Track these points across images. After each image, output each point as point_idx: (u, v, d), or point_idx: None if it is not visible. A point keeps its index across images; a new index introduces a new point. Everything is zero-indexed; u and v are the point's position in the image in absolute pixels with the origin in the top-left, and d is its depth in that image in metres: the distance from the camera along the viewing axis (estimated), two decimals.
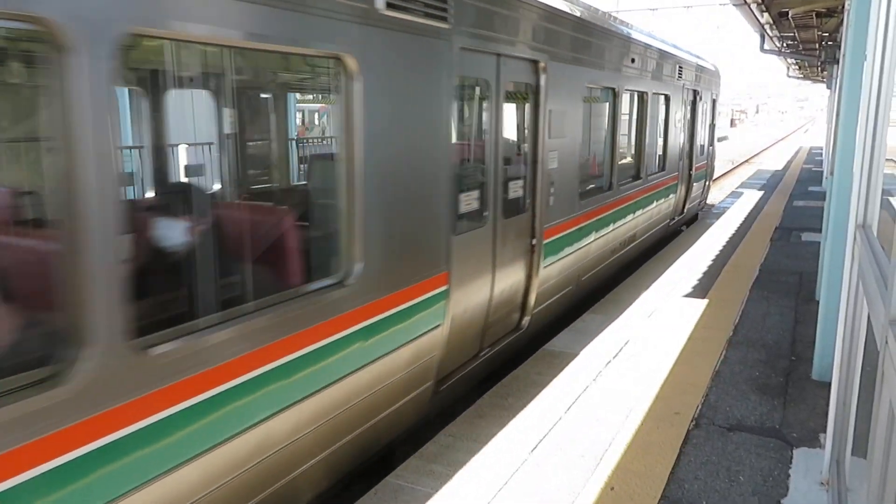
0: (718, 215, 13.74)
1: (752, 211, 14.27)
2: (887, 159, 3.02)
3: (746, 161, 37.03)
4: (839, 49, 10.85)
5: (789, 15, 13.84)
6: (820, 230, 11.11)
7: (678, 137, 11.65)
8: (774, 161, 30.24)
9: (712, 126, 14.98)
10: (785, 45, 19.80)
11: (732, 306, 7.25)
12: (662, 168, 10.82)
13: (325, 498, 4.12)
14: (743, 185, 19.64)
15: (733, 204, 15.46)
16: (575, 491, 3.78)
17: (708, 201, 20.78)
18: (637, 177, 9.47)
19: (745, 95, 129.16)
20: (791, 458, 4.15)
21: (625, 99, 8.73)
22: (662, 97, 10.48)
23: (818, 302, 6.03)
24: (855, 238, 3.43)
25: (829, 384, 3.95)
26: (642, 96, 9.42)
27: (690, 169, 12.93)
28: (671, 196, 11.58)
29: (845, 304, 3.55)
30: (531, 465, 4.05)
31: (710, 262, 9.33)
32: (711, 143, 15.29)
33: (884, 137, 3.04)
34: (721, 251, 10.10)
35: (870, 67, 3.40)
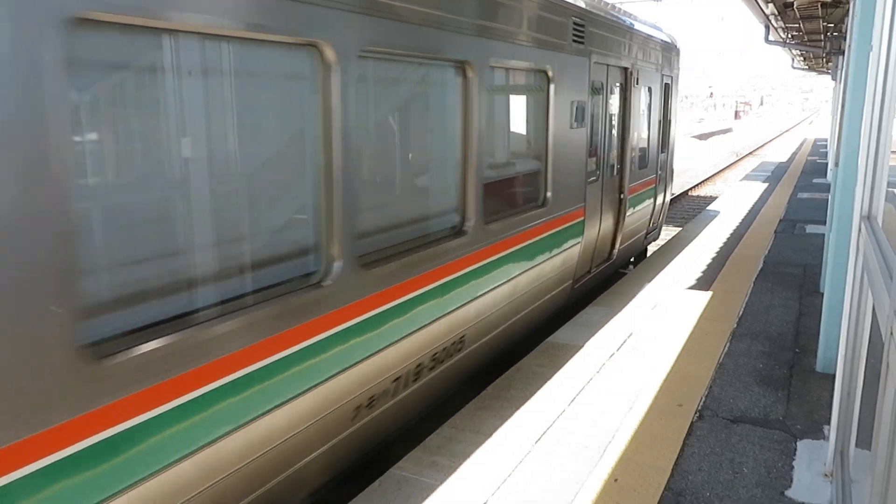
0: (722, 207, 13.71)
1: (756, 203, 14.24)
2: (893, 151, 3.01)
3: (751, 153, 37.04)
4: (844, 40, 10.81)
5: (794, 6, 13.74)
6: (824, 222, 11.09)
7: (585, 146, 7.24)
8: (779, 153, 30.14)
9: (665, 123, 10.61)
10: (790, 36, 19.69)
11: (736, 298, 7.24)
12: (541, 203, 6.34)
13: (328, 491, 4.14)
14: (747, 177, 19.59)
15: (737, 196, 15.42)
16: (579, 482, 3.80)
17: (712, 194, 20.74)
18: (458, 232, 5.01)
19: (750, 87, 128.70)
20: (795, 449, 4.15)
21: (388, 74, 4.42)
22: (532, 75, 6.16)
23: (822, 294, 6.02)
24: (860, 230, 3.42)
25: (833, 376, 3.94)
26: (463, 69, 4.91)
27: (622, 191, 8.56)
28: (571, 244, 7.04)
29: (850, 295, 3.54)
30: (534, 457, 4.06)
31: (713, 255, 9.32)
32: (665, 148, 10.76)
33: (889, 128, 3.02)
34: (725, 243, 10.09)
35: (875, 58, 3.38)
